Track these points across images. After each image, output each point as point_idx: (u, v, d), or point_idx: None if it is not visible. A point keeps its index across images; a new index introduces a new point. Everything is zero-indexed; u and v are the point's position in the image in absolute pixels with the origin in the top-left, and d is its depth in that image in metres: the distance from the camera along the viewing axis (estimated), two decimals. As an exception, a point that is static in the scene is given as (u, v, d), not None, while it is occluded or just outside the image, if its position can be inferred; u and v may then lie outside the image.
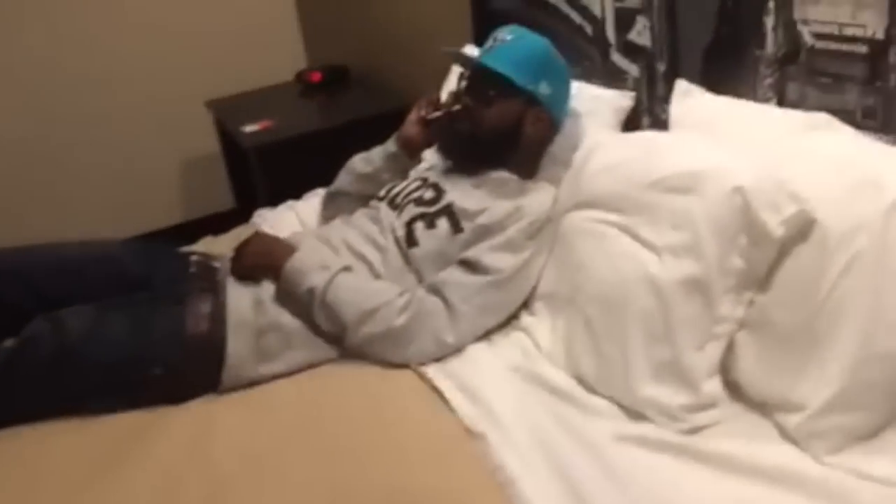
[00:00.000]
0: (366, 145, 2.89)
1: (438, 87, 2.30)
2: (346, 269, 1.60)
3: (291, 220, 2.16)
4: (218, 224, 2.97)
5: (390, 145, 1.90)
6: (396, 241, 1.67)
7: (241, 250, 1.68)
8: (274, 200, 2.51)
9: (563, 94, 1.78)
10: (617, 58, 1.86)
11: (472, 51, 2.07)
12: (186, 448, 1.38)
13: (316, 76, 3.13)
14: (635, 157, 1.49)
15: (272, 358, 1.57)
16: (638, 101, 1.82)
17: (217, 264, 1.73)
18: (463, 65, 1.83)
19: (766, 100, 1.50)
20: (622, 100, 1.83)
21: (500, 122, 1.71)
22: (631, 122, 1.84)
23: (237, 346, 1.55)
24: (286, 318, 1.59)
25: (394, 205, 1.77)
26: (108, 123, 3.31)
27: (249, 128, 2.78)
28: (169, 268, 1.71)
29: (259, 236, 1.73)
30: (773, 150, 1.33)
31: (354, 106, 2.99)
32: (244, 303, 1.61)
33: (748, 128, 1.45)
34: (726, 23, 1.54)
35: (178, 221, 3.58)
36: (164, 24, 3.29)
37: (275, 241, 1.71)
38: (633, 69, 1.82)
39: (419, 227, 1.66)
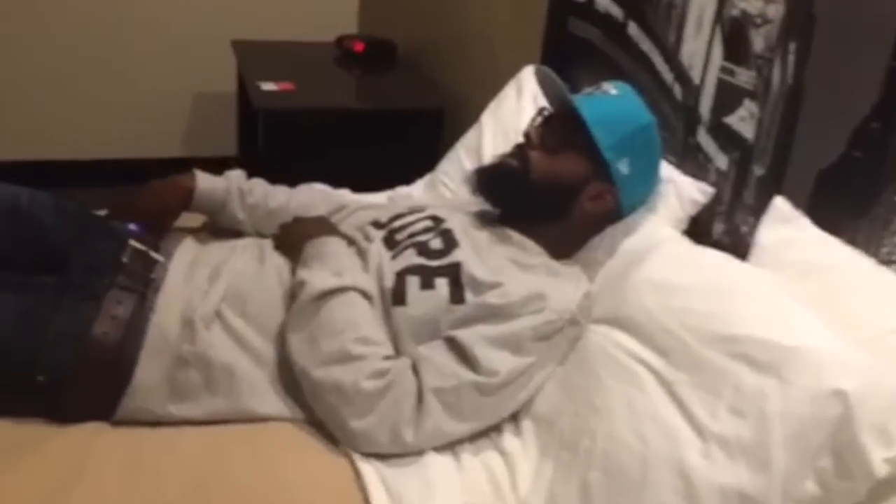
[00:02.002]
0: (394, 141, 2.59)
1: (487, 97, 1.96)
2: (363, 292, 1.28)
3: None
4: (214, 169, 2.93)
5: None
6: (381, 290, 1.32)
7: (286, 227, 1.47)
8: (274, 171, 2.22)
9: (641, 182, 1.44)
10: (704, 139, 1.50)
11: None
12: (42, 494, 1.08)
13: (359, 46, 2.78)
14: (702, 288, 1.14)
15: (186, 398, 1.25)
16: (716, 199, 1.46)
17: (159, 257, 1.38)
18: (549, 96, 1.51)
19: (890, 262, 1.14)
20: (697, 192, 1.47)
21: (556, 177, 1.39)
22: (699, 223, 1.48)
23: (148, 371, 1.23)
24: (216, 353, 1.26)
25: (391, 242, 1.42)
26: (131, 45, 3.05)
27: (267, 86, 2.45)
28: (97, 249, 1.36)
29: (305, 221, 1.47)
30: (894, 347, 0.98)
31: (392, 91, 2.65)
32: (171, 318, 1.28)
33: (861, 296, 1.09)
34: (862, 147, 1.18)
35: (177, 155, 3.38)
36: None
37: (321, 224, 1.45)
38: (721, 160, 1.46)
39: (413, 283, 1.31)
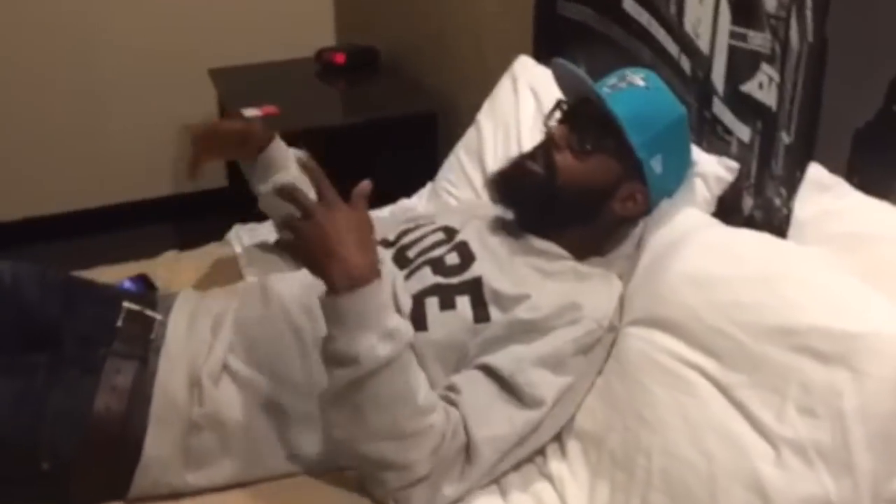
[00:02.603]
0: (388, 152, 2.49)
1: (480, 95, 1.86)
2: (411, 345, 1.07)
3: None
4: (207, 203, 2.88)
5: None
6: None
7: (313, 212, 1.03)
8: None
9: (673, 179, 1.34)
10: (722, 111, 1.40)
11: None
12: None
13: (339, 57, 2.68)
14: (747, 277, 1.04)
15: (203, 464, 1.15)
16: (742, 174, 1.36)
17: (157, 315, 1.28)
18: (564, 88, 1.37)
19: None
20: (722, 170, 1.37)
21: (586, 183, 1.27)
22: (727, 201, 1.38)
23: (159, 442, 1.13)
24: (229, 411, 1.16)
25: (403, 260, 1.32)
26: (105, 82, 2.96)
27: (250, 112, 2.35)
28: (89, 316, 1.26)
29: (351, 214, 1.05)
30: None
31: (380, 100, 2.55)
32: (177, 380, 1.18)
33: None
34: (902, 99, 1.08)
35: (167, 193, 3.25)
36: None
37: (366, 235, 1.06)
38: (742, 131, 1.36)
39: (432, 304, 1.21)
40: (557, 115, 1.33)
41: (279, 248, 1.25)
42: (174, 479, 1.13)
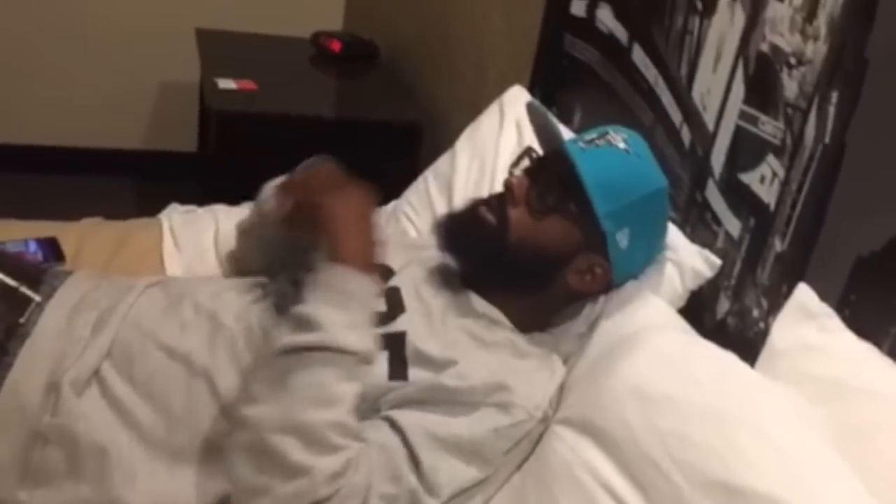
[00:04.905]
0: (364, 156, 2.31)
1: (469, 114, 1.70)
2: (369, 363, 0.96)
3: (206, 239, 1.55)
4: (174, 165, 2.86)
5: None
6: None
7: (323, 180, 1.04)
8: (226, 178, 1.97)
9: (640, 259, 1.19)
10: (714, 197, 1.24)
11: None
12: None
13: (336, 44, 2.51)
14: (700, 408, 0.88)
15: (42, 483, 0.99)
16: (722, 272, 1.20)
17: (35, 296, 1.11)
18: (540, 136, 1.23)
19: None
20: (701, 263, 1.21)
21: (539, 245, 1.12)
22: (701, 299, 1.22)
23: None
24: (86, 428, 1.00)
25: None
26: (93, 30, 2.83)
27: (225, 83, 2.18)
28: None
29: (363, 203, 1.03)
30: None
31: (366, 99, 2.38)
32: (34, 380, 1.02)
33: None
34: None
35: (135, 147, 3.14)
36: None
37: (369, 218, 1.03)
38: (732, 224, 1.20)
39: None
40: (526, 163, 1.18)
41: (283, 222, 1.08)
42: (3, 492, 0.97)
